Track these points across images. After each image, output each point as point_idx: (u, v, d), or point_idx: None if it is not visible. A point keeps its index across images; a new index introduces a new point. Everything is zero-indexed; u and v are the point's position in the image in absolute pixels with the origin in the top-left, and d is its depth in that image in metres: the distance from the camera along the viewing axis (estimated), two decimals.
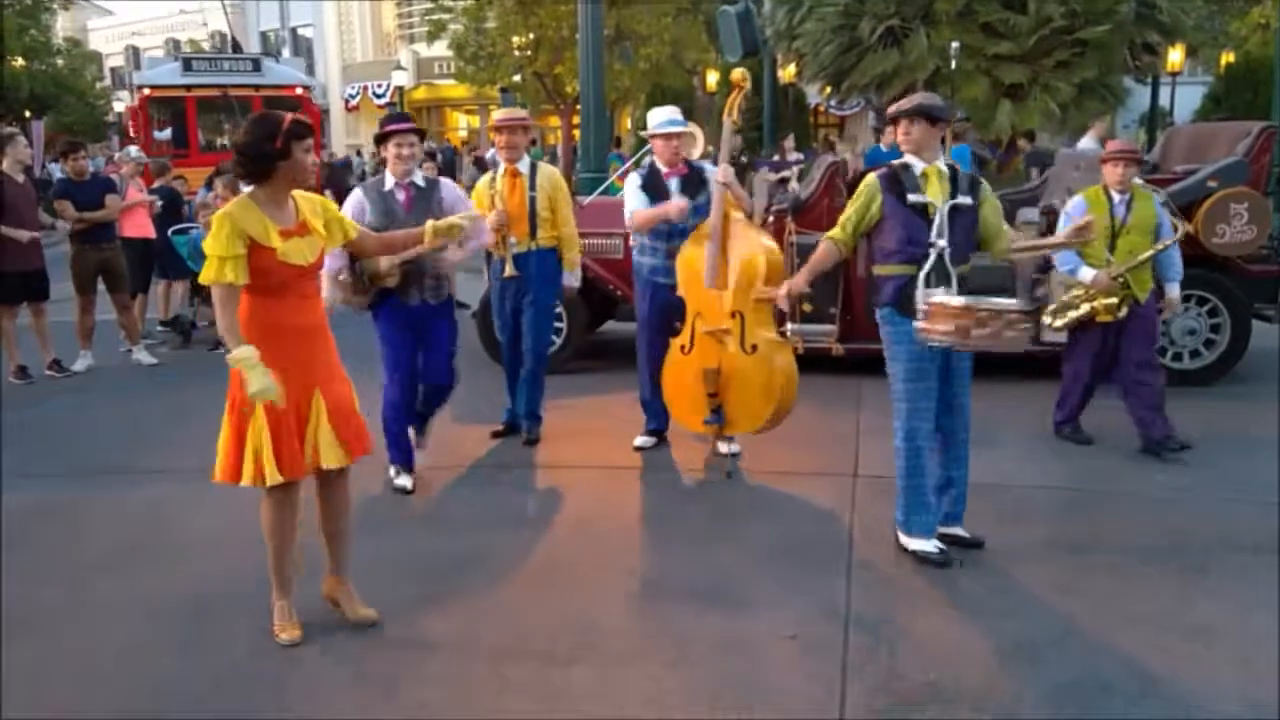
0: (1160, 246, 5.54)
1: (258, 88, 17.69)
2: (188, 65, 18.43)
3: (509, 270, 5.84)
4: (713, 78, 23.13)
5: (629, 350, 6.21)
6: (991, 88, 10.43)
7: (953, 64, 9.15)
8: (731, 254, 5.22)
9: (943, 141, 9.24)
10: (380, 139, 5.04)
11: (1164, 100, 21.93)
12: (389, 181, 5.00)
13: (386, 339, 5.13)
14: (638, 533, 4.82)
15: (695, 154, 5.88)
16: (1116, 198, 5.59)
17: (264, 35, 40.82)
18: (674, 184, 5.50)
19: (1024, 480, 5.32)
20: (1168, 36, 11.63)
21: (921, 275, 4.15)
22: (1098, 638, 3.65)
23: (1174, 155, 7.91)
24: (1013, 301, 4.10)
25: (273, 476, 3.50)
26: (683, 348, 5.45)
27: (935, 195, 4.16)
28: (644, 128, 5.75)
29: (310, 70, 37.64)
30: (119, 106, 39.12)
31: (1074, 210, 5.61)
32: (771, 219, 7.34)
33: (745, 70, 5.54)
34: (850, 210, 4.32)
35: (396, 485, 5.19)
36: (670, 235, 5.51)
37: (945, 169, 4.22)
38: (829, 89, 11.94)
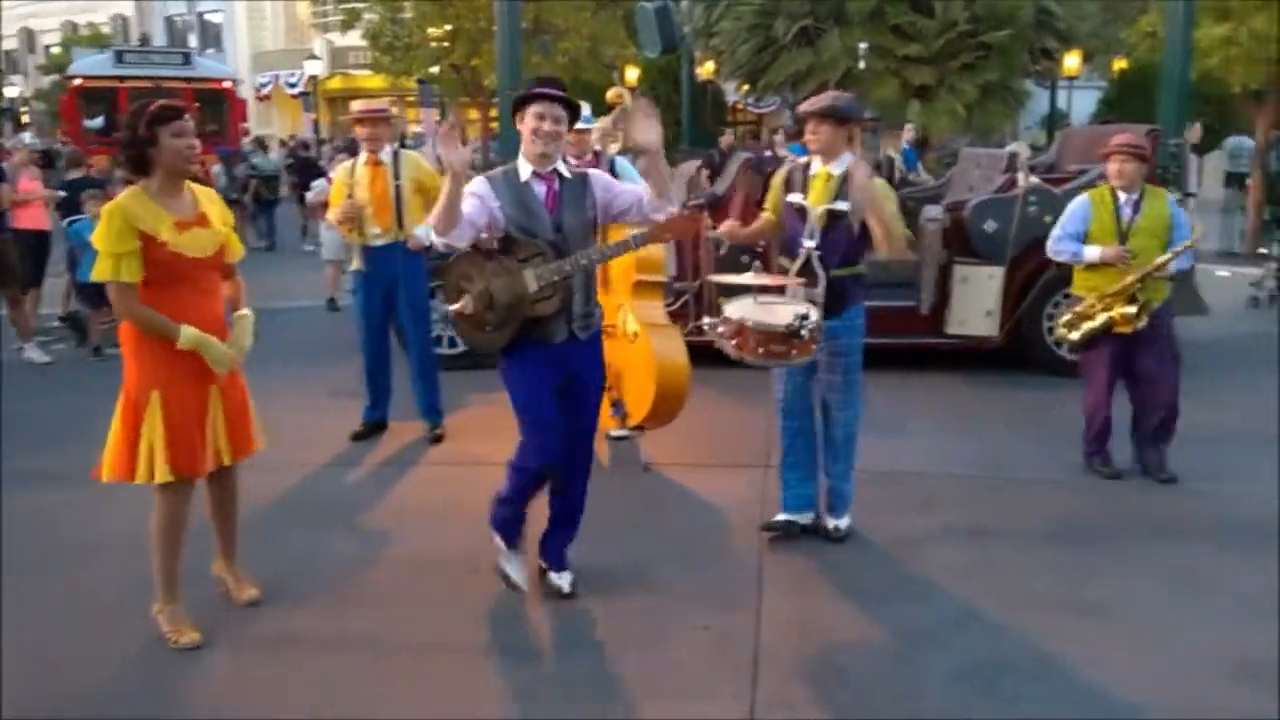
0: (1179, 249, 5.11)
1: (188, 80, 18.12)
2: (120, 57, 18.83)
3: (358, 264, 5.80)
4: (633, 73, 23.20)
5: None
6: (901, 88, 10.73)
7: (861, 64, 9.37)
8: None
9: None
10: (519, 103, 3.72)
11: (1062, 103, 22.74)
12: (524, 170, 3.71)
13: (524, 391, 3.79)
14: None
15: (614, 149, 5.95)
16: (1123, 197, 5.18)
17: (169, 21, 39.58)
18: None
19: (928, 468, 5.50)
20: (1064, 42, 12.11)
21: (792, 272, 4.22)
22: (998, 619, 3.81)
23: (1069, 156, 8.23)
24: (782, 319, 3.89)
25: (163, 474, 3.45)
26: None
27: (815, 198, 4.20)
28: None
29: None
30: (11, 92, 37.60)
31: (1076, 210, 5.31)
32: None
33: (622, 89, 5.69)
34: (769, 196, 4.53)
35: (512, 579, 3.92)
36: None
37: (839, 173, 4.20)
38: (746, 86, 12.11)
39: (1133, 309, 5.10)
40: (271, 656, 3.57)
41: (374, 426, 6.08)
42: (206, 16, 38.67)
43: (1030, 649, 3.58)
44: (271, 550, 4.38)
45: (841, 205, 4.17)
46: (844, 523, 4.52)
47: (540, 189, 3.70)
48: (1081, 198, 5.37)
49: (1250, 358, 7.64)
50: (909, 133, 14.39)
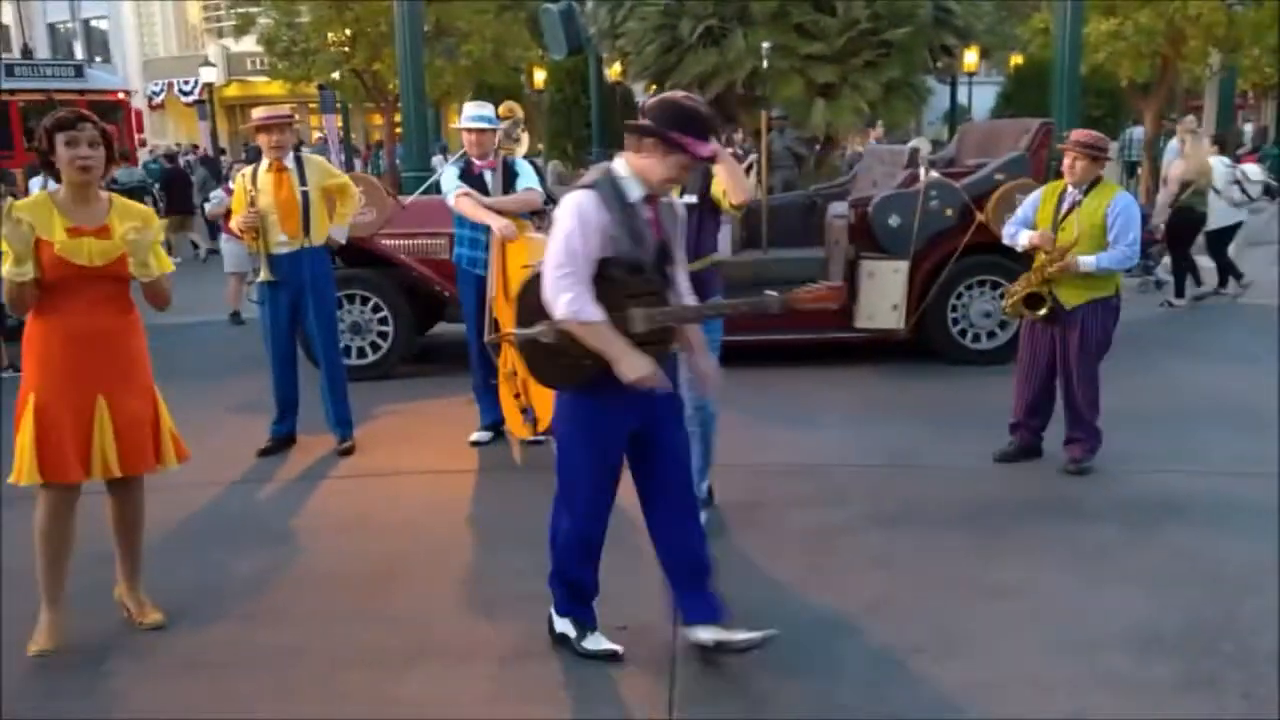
0: (1062, 262, 5.01)
1: (81, 92, 18.14)
2: (10, 70, 18.72)
3: (265, 274, 5.70)
4: (540, 75, 23.09)
5: (461, 351, 6.19)
6: (805, 87, 10.87)
7: (765, 64, 9.46)
8: (509, 259, 5.41)
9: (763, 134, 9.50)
10: (673, 143, 3.16)
11: (963, 98, 23.37)
12: (633, 190, 3.17)
13: (594, 438, 3.35)
14: (472, 534, 4.81)
15: (521, 152, 5.94)
16: (1071, 191, 5.20)
17: (52, 28, 38.09)
18: (488, 176, 5.58)
19: (840, 459, 5.59)
20: (963, 39, 12.38)
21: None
22: (910, 604, 3.89)
23: (967, 150, 8.46)
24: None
25: (30, 475, 3.44)
26: (503, 362, 5.58)
27: None
28: None
29: (107, 65, 35.54)
30: None
31: (1029, 200, 5.41)
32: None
33: (513, 104, 5.71)
34: None
35: (599, 650, 3.53)
36: (487, 227, 5.53)
37: None
38: (653, 87, 12.15)
39: (1040, 292, 5.16)
40: (180, 680, 3.47)
41: (282, 441, 5.96)
42: (92, 23, 37.32)
43: (941, 631, 3.66)
44: (179, 570, 4.27)
45: (689, 199, 4.13)
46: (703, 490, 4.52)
47: (648, 214, 3.21)
48: (1039, 189, 5.50)
49: (1146, 342, 7.95)
50: (878, 131, 14.55)
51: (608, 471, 3.37)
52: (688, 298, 3.36)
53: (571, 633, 3.55)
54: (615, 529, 4.58)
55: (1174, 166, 10.24)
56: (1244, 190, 10.12)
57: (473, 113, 5.66)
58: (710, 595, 3.48)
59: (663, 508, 3.45)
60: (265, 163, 5.65)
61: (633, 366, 3.12)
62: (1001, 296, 7.62)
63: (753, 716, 3.20)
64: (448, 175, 5.71)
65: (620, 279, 3.16)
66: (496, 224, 5.38)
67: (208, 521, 4.95)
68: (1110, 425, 5.36)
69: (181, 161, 20.34)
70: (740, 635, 3.42)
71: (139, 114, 24.22)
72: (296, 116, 7.08)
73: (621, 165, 3.20)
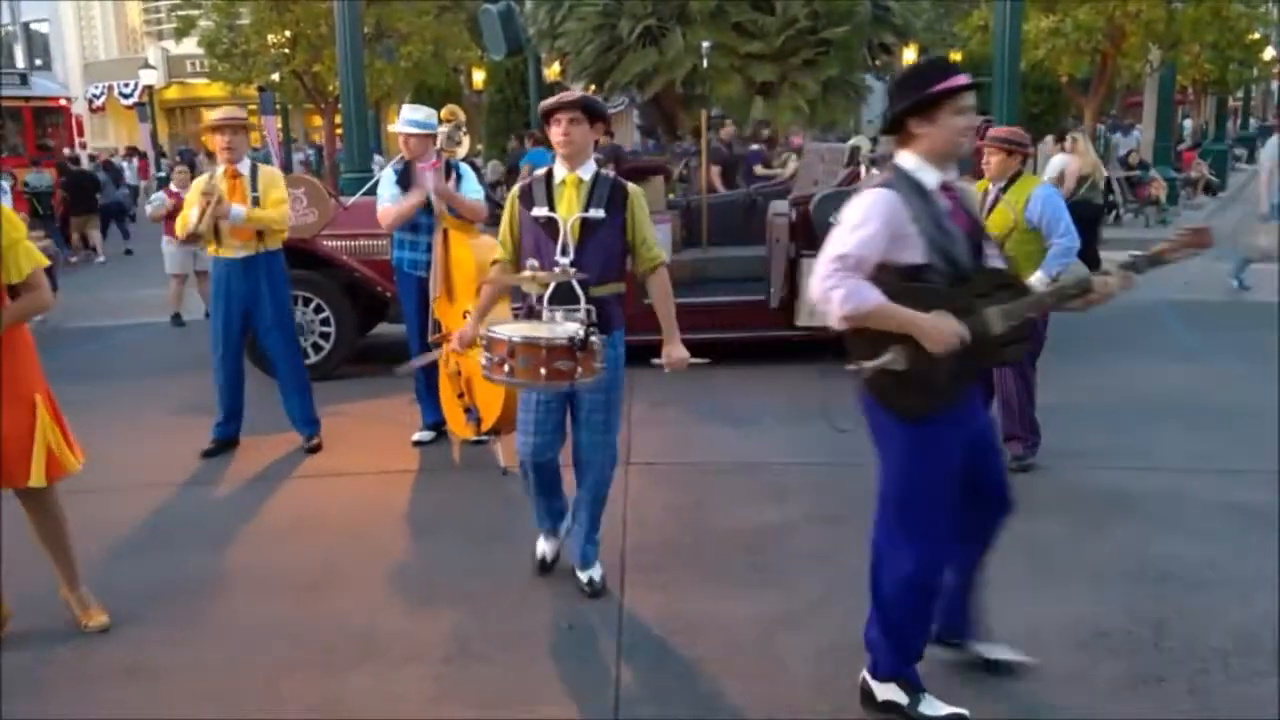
0: None
1: (27, 99, 19.47)
2: None
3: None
4: (479, 75, 22.98)
5: (401, 351, 6.14)
6: (745, 85, 10.94)
7: (705, 63, 9.53)
8: (451, 260, 5.42)
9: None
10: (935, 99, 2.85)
11: None
12: (930, 176, 2.89)
13: (936, 467, 3.01)
14: (414, 534, 4.76)
15: (461, 154, 5.89)
16: (992, 187, 5.16)
17: None
18: (428, 178, 5.52)
19: (783, 458, 5.62)
20: (901, 37, 12.58)
21: (546, 294, 3.70)
22: (854, 602, 3.90)
23: None
24: (565, 331, 3.53)
25: None
26: (444, 361, 5.53)
27: (566, 209, 3.73)
28: None
29: (48, 69, 34.78)
30: None
31: None
32: None
33: (455, 107, 5.68)
34: (502, 226, 3.96)
35: (943, 717, 3.06)
36: (428, 228, 5.55)
37: (589, 178, 3.76)
38: (593, 87, 12.15)
39: None
40: (121, 684, 3.41)
41: (225, 443, 5.91)
42: (33, 26, 36.57)
43: None
44: (121, 572, 4.23)
45: (596, 213, 3.74)
46: (598, 573, 4.02)
47: (946, 203, 2.90)
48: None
49: (1080, 337, 8.08)
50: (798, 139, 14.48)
51: (952, 498, 3.01)
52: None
53: (902, 699, 3.08)
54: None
55: (1070, 163, 10.59)
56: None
57: (408, 117, 5.60)
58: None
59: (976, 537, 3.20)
60: (220, 167, 5.62)
61: (941, 331, 2.80)
62: None
63: (699, 716, 3.20)
64: (385, 180, 5.70)
65: (945, 279, 2.87)
66: (421, 191, 5.42)
67: (151, 523, 4.87)
68: (1051, 422, 5.41)
69: (89, 165, 20.92)
70: (1013, 655, 3.34)
71: (79, 119, 25.18)
72: (266, 125, 6.98)
73: (905, 158, 2.90)
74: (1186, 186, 19.33)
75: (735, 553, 4.39)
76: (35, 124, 19.71)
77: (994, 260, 3.05)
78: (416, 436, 5.97)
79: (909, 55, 19.81)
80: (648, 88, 11.25)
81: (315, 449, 5.88)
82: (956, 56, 23.34)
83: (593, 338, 3.52)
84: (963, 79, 2.86)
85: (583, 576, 4.02)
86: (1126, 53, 16.14)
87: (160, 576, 4.25)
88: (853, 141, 10.37)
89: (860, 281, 2.82)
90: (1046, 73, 17.43)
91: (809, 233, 7.50)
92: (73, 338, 9.37)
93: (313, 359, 7.53)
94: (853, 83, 11.86)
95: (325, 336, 7.62)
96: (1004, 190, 5.12)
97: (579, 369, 3.50)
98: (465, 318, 5.33)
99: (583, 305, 3.64)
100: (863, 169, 7.65)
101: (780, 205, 7.81)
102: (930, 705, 3.07)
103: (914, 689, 3.10)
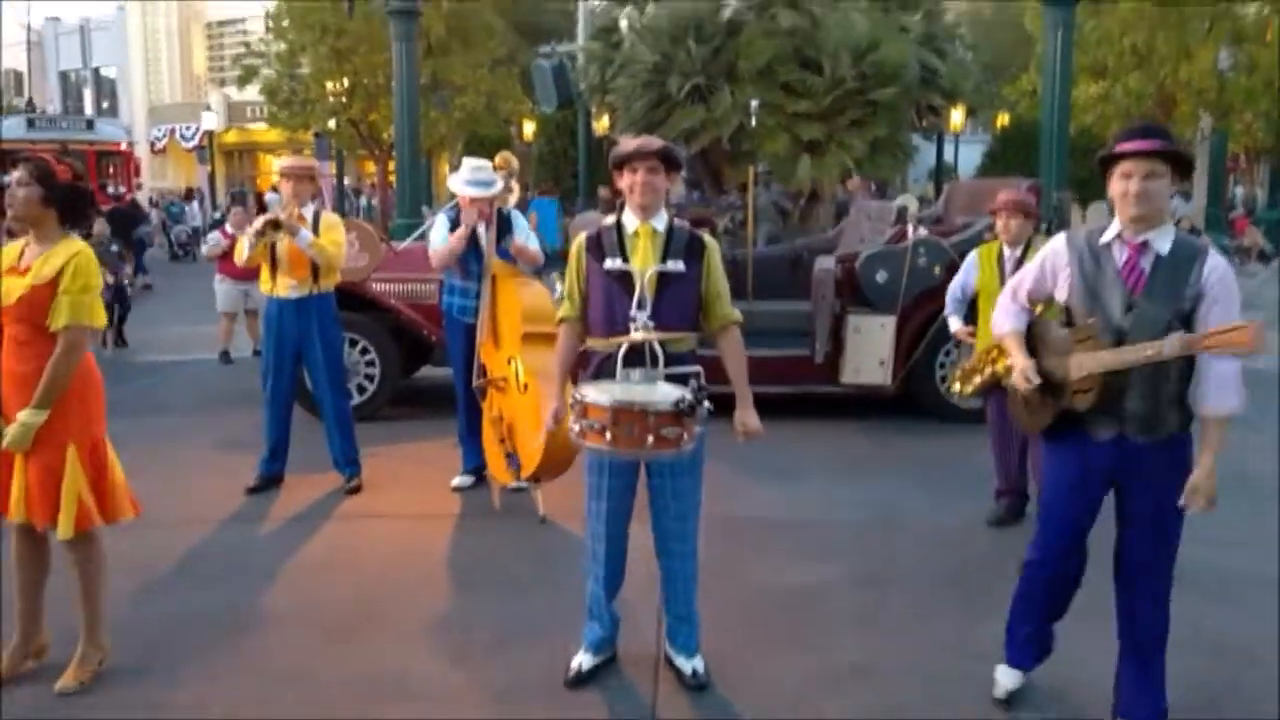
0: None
1: (91, 143, 21.37)
2: (31, 123, 22.21)
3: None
4: (529, 127, 23.37)
5: (446, 394, 6.19)
6: (791, 143, 11.03)
7: (753, 121, 9.62)
8: (499, 306, 5.49)
9: (764, 184, 9.54)
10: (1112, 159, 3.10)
11: (949, 156, 23.68)
12: (1110, 229, 3.15)
13: (1049, 481, 3.43)
14: (451, 580, 4.75)
15: (512, 202, 6.00)
16: (1009, 251, 5.17)
17: (64, 75, 38.71)
18: (480, 228, 5.61)
19: (825, 516, 5.56)
20: (949, 99, 12.62)
21: (621, 352, 3.46)
22: (894, 665, 3.84)
23: (955, 208, 8.53)
24: (669, 395, 3.27)
25: None
26: (488, 406, 5.59)
27: (641, 260, 3.52)
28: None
29: (114, 112, 35.99)
30: None
31: (964, 266, 5.36)
32: None
33: (508, 154, 5.85)
34: (565, 280, 3.75)
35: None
36: (479, 276, 5.62)
37: (661, 228, 3.56)
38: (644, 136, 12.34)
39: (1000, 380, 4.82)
40: None
41: (270, 480, 5.97)
42: (102, 71, 37.92)
43: (925, 694, 3.62)
44: (158, 608, 4.26)
45: (675, 265, 3.54)
46: (700, 664, 3.71)
47: (1122, 255, 3.11)
48: (971, 254, 5.44)
49: None
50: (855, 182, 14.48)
51: (1053, 518, 3.45)
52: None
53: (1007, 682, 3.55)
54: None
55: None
56: None
57: (473, 178, 5.60)
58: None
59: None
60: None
61: (1015, 368, 3.31)
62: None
63: None
64: (438, 225, 5.79)
65: (1075, 324, 3.18)
66: (468, 227, 5.51)
67: (188, 559, 4.90)
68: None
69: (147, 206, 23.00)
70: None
71: (138, 162, 27.09)
72: (319, 168, 7.17)
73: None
74: (1240, 254, 19.12)
75: (774, 611, 4.33)
76: (98, 167, 21.25)
77: (1148, 323, 3.07)
78: (456, 481, 5.98)
79: (956, 116, 19.87)
80: (695, 142, 11.37)
81: (356, 490, 5.91)
82: (1004, 119, 23.44)
83: (695, 403, 3.24)
84: (1141, 146, 3.02)
85: (685, 668, 3.69)
86: (1177, 120, 16.07)
87: (193, 613, 4.26)
88: (899, 201, 10.39)
89: (1011, 313, 3.40)
90: (1095, 138, 17.39)
91: (855, 289, 7.50)
92: (125, 372, 9.54)
93: (356, 400, 7.60)
94: (899, 142, 11.90)
95: (370, 378, 7.70)
96: (1024, 255, 5.03)
97: (685, 435, 3.26)
98: (510, 363, 5.37)
99: (690, 368, 3.41)
100: (910, 228, 7.64)
101: (826, 261, 7.82)
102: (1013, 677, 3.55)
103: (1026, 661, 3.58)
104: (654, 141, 3.59)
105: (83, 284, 3.44)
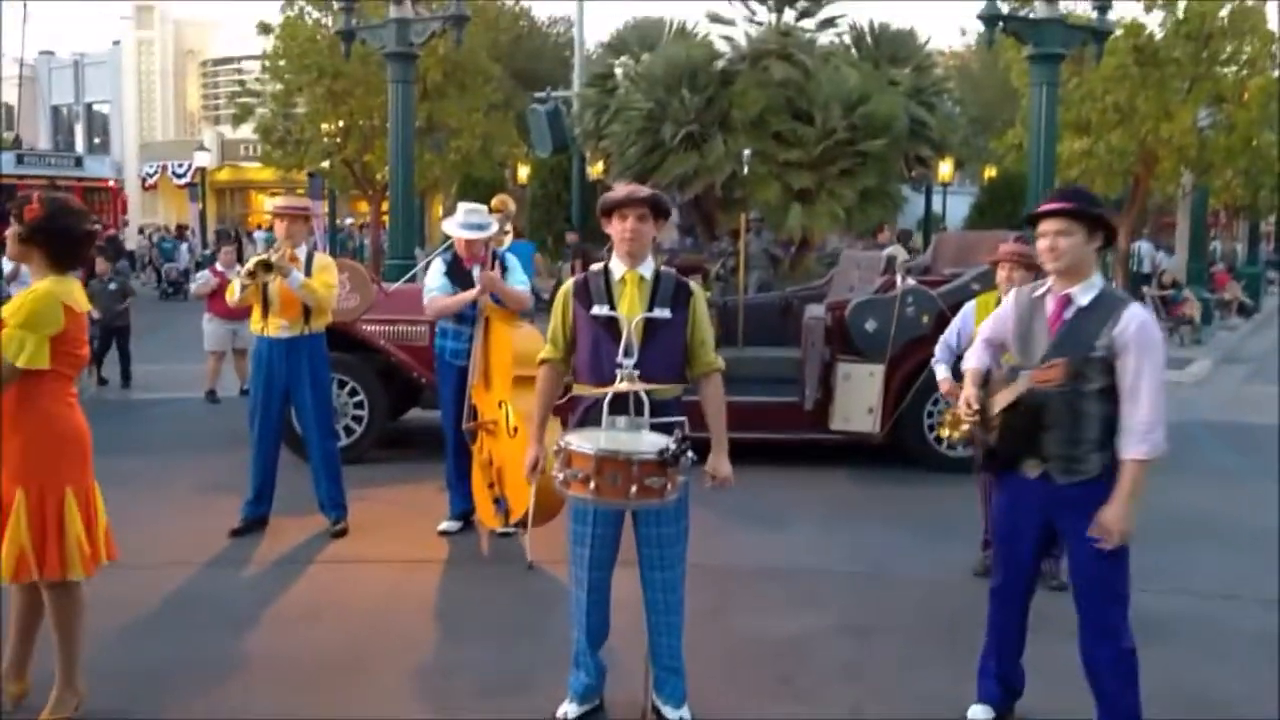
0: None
1: (79, 179, 23.19)
2: (20, 159, 23.66)
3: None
4: (523, 170, 23.55)
5: (434, 437, 6.18)
6: (783, 191, 11.15)
7: (745, 169, 9.73)
8: (491, 348, 5.49)
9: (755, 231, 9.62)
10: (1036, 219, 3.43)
11: (937, 207, 23.95)
12: (1047, 283, 3.47)
13: (997, 513, 3.76)
14: (436, 627, 4.72)
15: (507, 244, 6.03)
16: None
17: (55, 110, 38.81)
18: (476, 271, 5.64)
19: (813, 564, 5.55)
20: (938, 151, 12.80)
21: (606, 400, 3.42)
22: (883, 716, 3.83)
23: (943, 259, 8.62)
24: (654, 444, 3.25)
25: None
26: (477, 449, 5.57)
27: (628, 307, 3.53)
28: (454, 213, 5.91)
29: (105, 148, 36.10)
30: None
31: (961, 321, 5.34)
32: None
33: (505, 197, 5.83)
34: (551, 322, 3.74)
35: None
36: (472, 319, 5.62)
37: (648, 275, 3.59)
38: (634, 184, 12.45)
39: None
40: None
41: (255, 522, 5.91)
42: (95, 107, 38.06)
43: None
44: (139, 653, 4.19)
45: (662, 313, 3.55)
46: (687, 714, 3.70)
47: (1050, 307, 3.40)
48: (970, 303, 5.44)
49: None
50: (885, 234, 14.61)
51: (1001, 550, 3.73)
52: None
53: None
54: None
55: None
56: None
57: (468, 221, 5.68)
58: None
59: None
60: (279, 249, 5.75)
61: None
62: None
63: None
64: (434, 270, 5.81)
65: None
66: (475, 290, 5.51)
67: (170, 603, 4.85)
68: None
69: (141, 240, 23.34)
70: None
71: (124, 198, 28.57)
72: (313, 209, 7.15)
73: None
74: (1221, 307, 19.35)
75: (760, 662, 4.31)
76: (85, 201, 21.46)
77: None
78: (443, 526, 5.95)
79: (945, 168, 20.14)
80: (688, 189, 11.48)
81: (341, 533, 5.86)
82: (992, 172, 23.75)
83: (687, 451, 3.23)
84: (1044, 207, 3.40)
85: (672, 717, 3.68)
86: (1159, 176, 16.31)
87: (173, 658, 4.21)
88: (889, 250, 10.48)
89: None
90: None
91: (844, 337, 7.55)
92: (107, 409, 9.49)
93: (343, 441, 7.57)
94: (889, 192, 12.05)
95: (358, 420, 7.67)
96: None
97: (669, 485, 3.25)
98: (500, 406, 5.38)
99: (675, 418, 3.40)
100: (899, 277, 7.71)
101: (816, 309, 7.87)
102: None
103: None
104: (643, 190, 3.65)
105: (21, 319, 3.35)
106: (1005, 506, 3.61)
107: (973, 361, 3.71)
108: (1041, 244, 3.35)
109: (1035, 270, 5.14)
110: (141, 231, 27.46)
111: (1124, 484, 3.25)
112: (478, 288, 5.51)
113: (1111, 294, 3.38)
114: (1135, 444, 3.24)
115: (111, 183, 25.28)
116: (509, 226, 5.86)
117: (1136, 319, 3.25)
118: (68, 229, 3.53)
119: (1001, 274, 5.18)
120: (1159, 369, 3.26)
